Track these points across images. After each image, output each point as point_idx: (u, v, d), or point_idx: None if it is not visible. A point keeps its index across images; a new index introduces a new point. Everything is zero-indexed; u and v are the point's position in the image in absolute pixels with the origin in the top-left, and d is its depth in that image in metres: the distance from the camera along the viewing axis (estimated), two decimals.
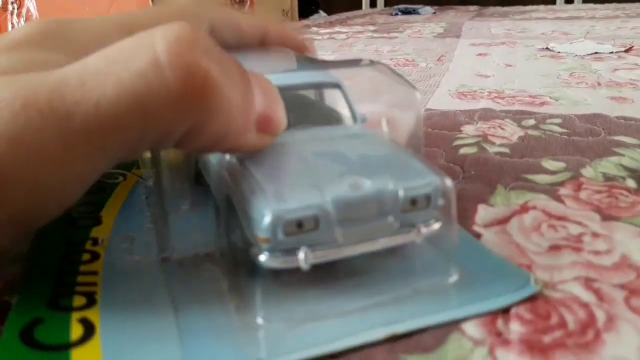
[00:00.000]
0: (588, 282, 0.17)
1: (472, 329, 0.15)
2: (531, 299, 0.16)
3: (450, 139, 0.33)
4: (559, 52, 0.67)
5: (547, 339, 0.15)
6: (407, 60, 0.66)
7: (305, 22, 1.38)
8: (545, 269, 0.18)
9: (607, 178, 0.26)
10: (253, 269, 0.16)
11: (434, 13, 1.51)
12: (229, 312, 0.16)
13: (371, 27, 1.13)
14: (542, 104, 0.42)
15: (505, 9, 1.57)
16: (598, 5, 1.58)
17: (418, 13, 1.49)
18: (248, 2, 1.23)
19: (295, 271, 0.15)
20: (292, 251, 0.15)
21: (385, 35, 0.96)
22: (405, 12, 1.51)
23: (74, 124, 0.13)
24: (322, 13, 1.72)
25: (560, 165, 0.28)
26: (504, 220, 0.22)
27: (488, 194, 0.25)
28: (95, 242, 0.20)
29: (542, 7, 1.62)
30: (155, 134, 0.15)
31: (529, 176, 0.27)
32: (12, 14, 1.03)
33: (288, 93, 0.17)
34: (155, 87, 0.14)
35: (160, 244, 0.20)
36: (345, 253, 0.16)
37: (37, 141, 0.13)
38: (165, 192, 0.19)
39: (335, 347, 0.14)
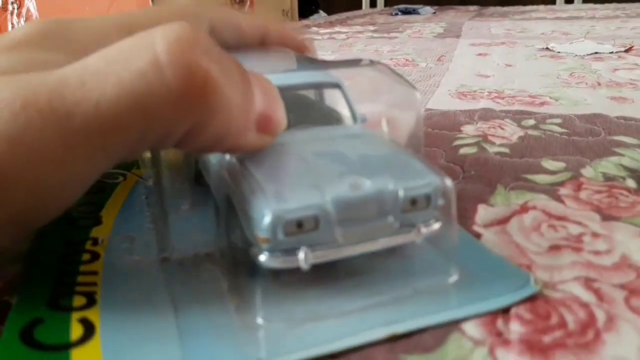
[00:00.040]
0: (588, 282, 0.17)
1: (472, 329, 0.15)
2: (531, 299, 0.17)
3: (450, 139, 0.33)
4: (559, 52, 0.67)
5: (547, 339, 0.15)
6: (407, 60, 0.66)
7: (305, 22, 1.38)
8: (545, 269, 0.18)
9: (607, 178, 0.26)
10: (253, 269, 0.16)
11: (434, 13, 1.51)
12: (229, 312, 0.16)
13: (371, 27, 1.13)
14: (542, 104, 0.42)
15: (505, 9, 1.57)
16: (598, 5, 1.58)
17: (418, 13, 1.49)
18: (248, 2, 1.23)
19: (295, 271, 0.15)
20: (292, 251, 0.15)
21: (385, 35, 0.96)
22: (405, 12, 1.51)
23: (74, 124, 0.13)
24: (322, 13, 1.72)
25: (560, 165, 0.28)
26: (504, 220, 0.22)
27: (488, 194, 0.25)
28: (95, 242, 0.20)
29: (542, 7, 1.62)
30: (155, 134, 0.15)
31: (529, 176, 0.27)
32: (12, 14, 1.03)
33: (288, 93, 0.17)
34: (156, 87, 0.14)
35: (160, 244, 0.20)
36: (345, 253, 0.16)
37: (37, 141, 0.13)
38: (165, 192, 0.19)
39: (336, 347, 0.14)
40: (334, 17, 1.51)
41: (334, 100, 0.21)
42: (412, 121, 0.21)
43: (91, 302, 0.16)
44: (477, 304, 0.16)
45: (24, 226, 0.15)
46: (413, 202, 0.16)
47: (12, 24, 1.02)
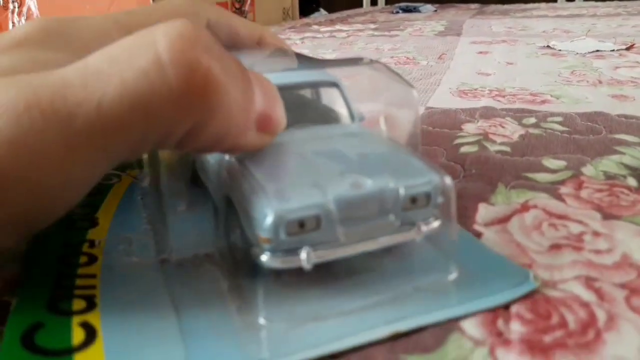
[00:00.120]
0: (589, 282, 0.17)
1: (472, 328, 0.15)
2: (532, 298, 0.16)
3: (451, 137, 0.33)
4: (560, 50, 0.66)
5: (547, 338, 0.15)
6: (408, 58, 0.66)
7: (305, 20, 1.38)
8: (546, 268, 0.18)
9: (608, 176, 0.26)
10: (254, 269, 0.16)
11: (435, 11, 1.51)
12: (231, 312, 0.16)
13: (372, 25, 1.12)
14: (543, 102, 0.42)
15: (506, 6, 1.57)
16: (599, 3, 1.58)
17: (419, 11, 1.49)
18: (248, 1, 1.23)
19: (296, 271, 0.15)
20: (293, 251, 0.15)
21: (386, 33, 0.96)
22: (406, 10, 1.50)
23: (75, 125, 0.13)
24: (322, 11, 1.72)
25: (561, 163, 0.28)
26: (504, 219, 0.22)
27: (489, 193, 0.25)
28: (92, 244, 0.20)
29: (543, 4, 1.62)
30: (156, 134, 0.15)
31: (530, 175, 0.27)
32: (13, 12, 1.03)
33: (286, 92, 0.17)
34: (157, 86, 0.14)
35: (158, 246, 0.20)
36: (347, 252, 0.16)
37: (39, 142, 0.13)
38: (164, 193, 0.19)
39: (338, 347, 0.14)
40: (335, 15, 1.51)
41: (332, 99, 0.21)
42: (409, 119, 0.21)
43: (91, 305, 0.16)
44: (477, 301, 0.16)
45: (27, 227, 0.15)
46: (413, 200, 0.16)
47: (13, 22, 1.02)
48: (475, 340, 0.15)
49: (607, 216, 0.22)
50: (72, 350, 0.14)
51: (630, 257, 0.19)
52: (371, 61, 0.22)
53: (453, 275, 0.17)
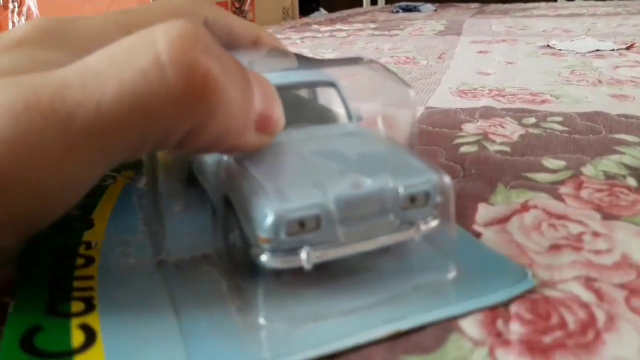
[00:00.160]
0: (588, 282, 0.17)
1: (472, 329, 0.15)
2: (531, 299, 0.16)
3: (450, 137, 0.33)
4: (560, 49, 0.66)
5: (547, 339, 0.15)
6: (407, 58, 0.66)
7: (305, 19, 1.38)
8: (546, 268, 0.18)
9: (608, 176, 0.26)
10: (253, 270, 0.16)
11: (435, 10, 1.51)
12: (231, 313, 0.16)
13: (372, 25, 1.12)
14: (543, 101, 0.42)
15: (506, 6, 1.57)
16: (599, 3, 1.58)
17: (419, 10, 1.48)
18: (248, 0, 1.23)
19: (296, 271, 0.15)
20: (293, 251, 0.15)
21: (386, 32, 0.96)
22: (406, 9, 1.50)
23: (75, 126, 0.13)
24: (322, 11, 1.72)
25: (560, 163, 0.28)
26: (504, 219, 0.22)
27: (488, 193, 0.25)
28: (88, 246, 0.20)
29: (543, 4, 1.62)
30: (156, 134, 0.15)
31: (530, 175, 0.27)
32: (12, 12, 1.03)
33: (283, 92, 0.17)
34: (157, 86, 0.14)
35: (155, 247, 0.20)
36: (347, 252, 0.16)
37: (38, 142, 0.13)
38: (162, 194, 0.19)
39: (339, 346, 0.14)
40: (335, 14, 1.51)
41: (329, 99, 0.21)
42: (406, 119, 0.21)
43: (90, 307, 0.16)
44: (476, 299, 0.16)
45: (27, 227, 0.15)
46: (412, 199, 0.16)
47: (13, 22, 1.02)
48: (474, 341, 0.15)
49: (606, 216, 0.22)
50: (72, 353, 0.14)
51: (630, 257, 0.19)
52: (368, 61, 0.22)
53: (452, 274, 0.17)
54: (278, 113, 0.17)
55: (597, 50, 0.64)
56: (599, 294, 0.17)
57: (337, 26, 1.12)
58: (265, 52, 0.25)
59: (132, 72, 0.14)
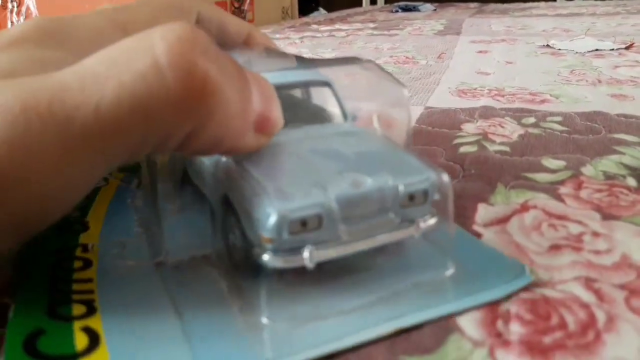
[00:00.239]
0: (588, 282, 0.17)
1: (472, 329, 0.15)
2: (531, 299, 0.16)
3: (450, 137, 0.33)
4: (559, 49, 0.66)
5: (547, 339, 0.15)
6: (407, 57, 0.66)
7: (305, 19, 1.38)
8: (546, 268, 0.18)
9: (608, 176, 0.26)
10: (253, 270, 0.16)
11: (434, 10, 1.51)
12: (233, 313, 0.16)
13: (371, 25, 1.12)
14: (543, 101, 0.42)
15: (506, 5, 1.57)
16: (598, 2, 1.58)
17: (418, 10, 1.48)
18: (248, 0, 1.23)
19: (297, 270, 0.15)
20: (296, 250, 0.15)
21: (386, 32, 0.96)
22: (406, 9, 1.50)
23: (73, 128, 0.13)
24: (322, 10, 1.72)
25: (560, 163, 0.28)
26: (504, 220, 0.22)
27: (488, 193, 0.25)
28: (85, 248, 0.20)
29: (542, 4, 1.62)
30: (155, 137, 0.15)
31: (529, 175, 0.27)
32: (11, 12, 1.02)
33: (279, 92, 0.17)
34: (155, 90, 0.14)
35: (153, 248, 0.20)
36: (348, 250, 0.16)
37: (36, 145, 0.13)
38: (159, 194, 0.19)
39: (342, 345, 0.15)
40: (334, 14, 1.51)
41: (324, 98, 0.21)
42: (401, 118, 0.21)
43: (91, 310, 0.16)
44: (476, 295, 0.16)
45: (25, 228, 0.15)
46: (411, 197, 0.17)
47: (12, 22, 1.02)
48: (474, 341, 0.15)
49: (606, 216, 0.22)
50: (76, 356, 0.14)
51: (630, 257, 0.19)
52: (362, 60, 0.22)
53: (450, 271, 0.18)
54: (277, 113, 0.17)
55: (597, 50, 0.64)
56: (599, 295, 0.17)
57: (337, 26, 1.12)
58: (259, 52, 0.25)
59: (130, 75, 0.14)
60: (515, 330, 0.15)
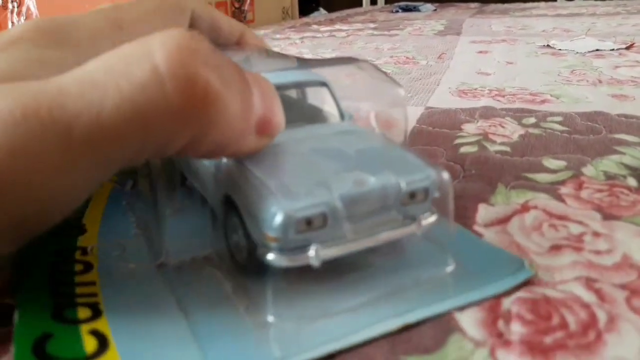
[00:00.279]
0: (589, 282, 0.17)
1: (472, 329, 0.15)
2: (532, 299, 0.16)
3: (450, 137, 0.33)
4: (559, 49, 0.66)
5: (548, 339, 0.15)
6: (407, 57, 0.66)
7: (305, 19, 1.38)
8: (546, 268, 0.18)
9: (608, 177, 0.26)
10: (257, 269, 0.16)
11: (435, 10, 1.51)
12: (239, 313, 0.16)
13: (371, 25, 1.12)
14: (543, 101, 0.42)
15: (506, 6, 1.57)
16: (599, 2, 1.57)
17: (418, 10, 1.48)
18: (248, 0, 1.23)
19: (301, 269, 0.15)
20: (301, 249, 0.15)
21: (386, 32, 0.96)
22: (406, 9, 1.50)
23: (74, 135, 0.13)
24: (322, 10, 1.72)
25: (561, 163, 0.28)
26: (504, 220, 0.22)
27: (489, 193, 0.25)
28: (84, 251, 0.19)
29: (542, 4, 1.62)
30: (155, 144, 0.15)
31: (530, 175, 0.27)
32: (12, 12, 1.03)
33: (279, 92, 0.17)
34: (155, 99, 0.14)
35: (153, 250, 0.20)
36: (353, 248, 0.16)
37: (37, 149, 0.13)
38: (158, 195, 0.19)
39: (347, 343, 0.15)
40: (335, 14, 1.51)
41: (320, 98, 0.21)
42: (397, 118, 0.21)
43: (97, 313, 0.16)
44: (477, 291, 0.17)
45: (25, 231, 0.15)
46: (412, 195, 0.17)
47: (12, 22, 1.02)
48: (475, 342, 0.15)
49: (607, 216, 0.22)
50: (87, 359, 0.14)
51: (631, 257, 0.19)
52: (358, 60, 0.22)
53: (450, 268, 0.18)
54: (278, 115, 0.17)
55: (597, 50, 0.64)
56: (600, 295, 0.17)
57: (337, 26, 1.12)
58: (258, 52, 0.25)
59: (130, 83, 0.14)
60: (516, 330, 0.15)
